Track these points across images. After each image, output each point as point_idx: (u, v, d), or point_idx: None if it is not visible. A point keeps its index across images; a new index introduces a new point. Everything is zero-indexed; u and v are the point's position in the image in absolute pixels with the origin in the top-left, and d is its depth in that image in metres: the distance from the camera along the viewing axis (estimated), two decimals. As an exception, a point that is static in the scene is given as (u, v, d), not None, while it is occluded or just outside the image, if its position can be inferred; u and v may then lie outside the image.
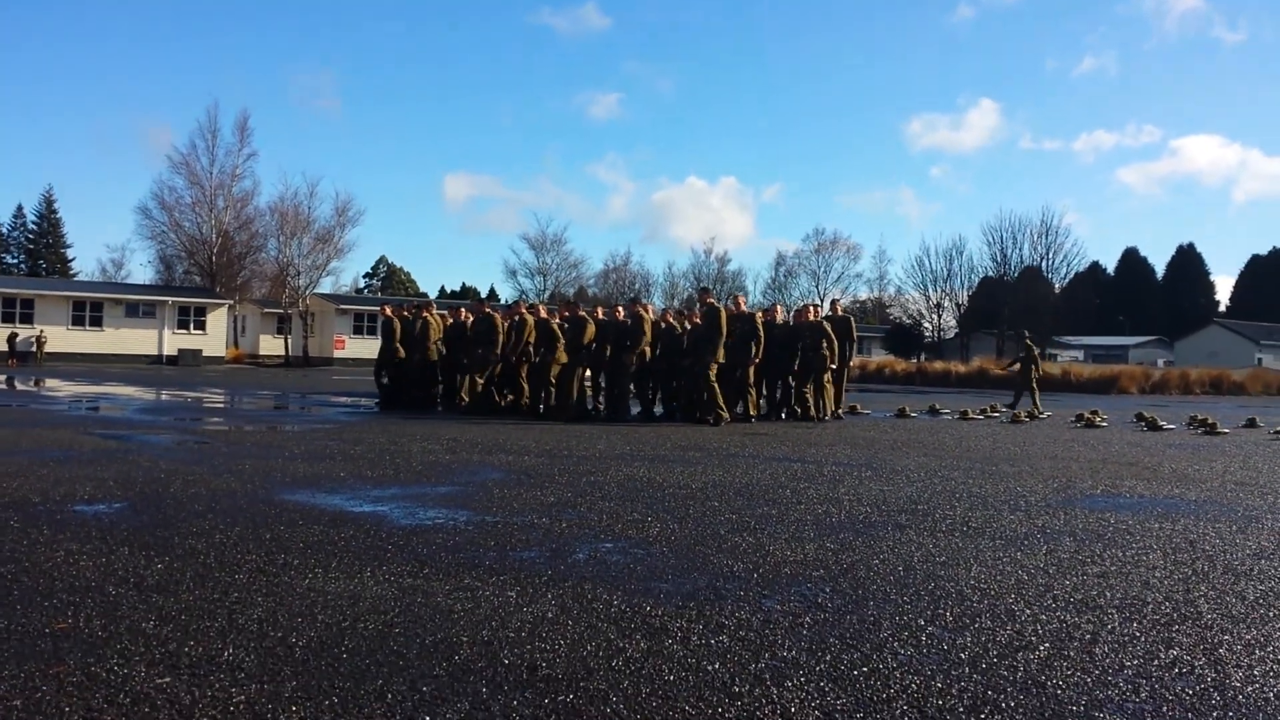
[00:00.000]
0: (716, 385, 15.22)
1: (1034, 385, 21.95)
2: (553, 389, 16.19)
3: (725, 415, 15.17)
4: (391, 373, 18.20)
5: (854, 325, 17.91)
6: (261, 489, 7.54)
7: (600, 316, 16.53)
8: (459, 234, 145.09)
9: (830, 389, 16.79)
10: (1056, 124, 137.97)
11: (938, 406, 21.28)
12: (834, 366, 16.74)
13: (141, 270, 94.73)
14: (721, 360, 15.30)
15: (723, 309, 15.76)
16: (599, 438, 12.43)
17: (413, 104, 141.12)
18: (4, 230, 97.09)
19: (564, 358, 16.02)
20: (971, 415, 19.06)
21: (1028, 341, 23.50)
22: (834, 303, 19.08)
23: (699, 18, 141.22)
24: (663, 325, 16.37)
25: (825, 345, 16.38)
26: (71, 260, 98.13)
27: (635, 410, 16.53)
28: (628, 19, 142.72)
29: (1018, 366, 22.93)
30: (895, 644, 3.85)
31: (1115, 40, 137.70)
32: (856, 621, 4.15)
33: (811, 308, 17.54)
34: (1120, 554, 5.69)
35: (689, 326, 16.33)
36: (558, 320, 16.75)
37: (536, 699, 3.19)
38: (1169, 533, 6.46)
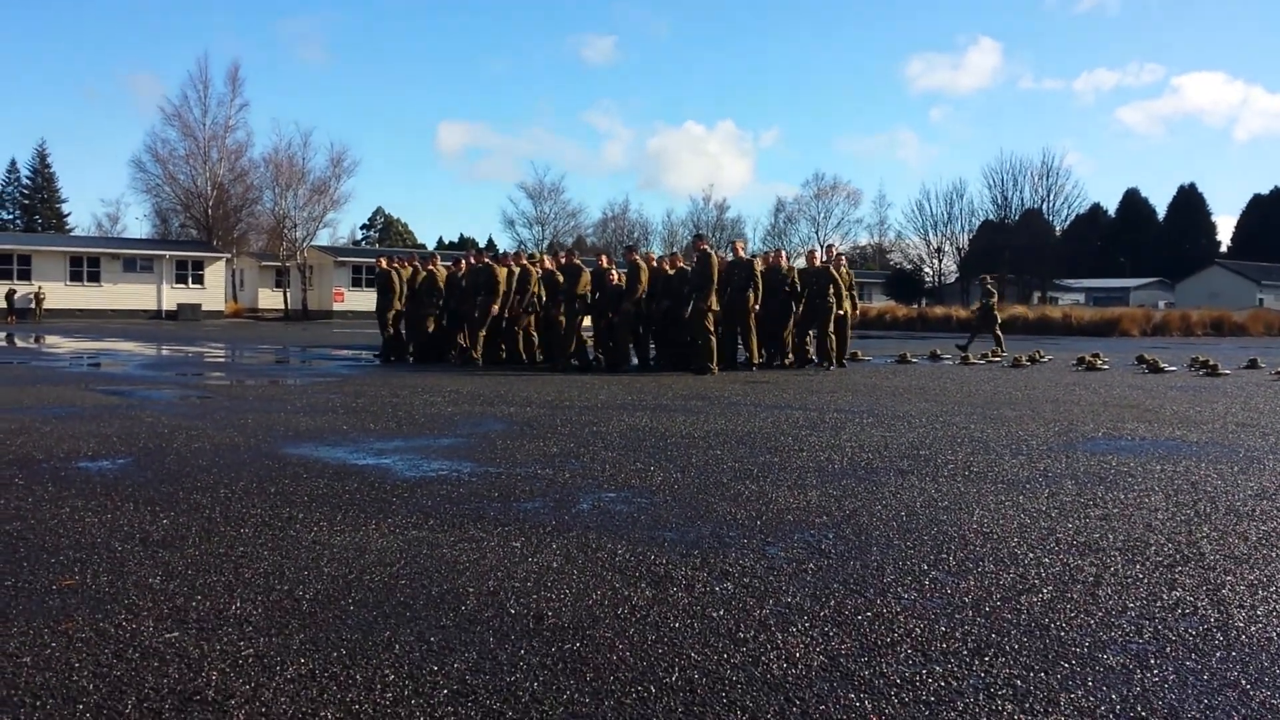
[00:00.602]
0: (712, 335, 15.15)
1: (992, 329, 22.37)
2: (561, 340, 16.14)
3: (714, 369, 14.99)
4: (396, 326, 18.19)
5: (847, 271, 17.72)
6: (265, 443, 7.55)
7: (604, 265, 16.36)
8: (454, 184, 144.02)
9: (834, 337, 16.60)
10: (1057, 63, 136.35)
11: (939, 352, 21.28)
12: (841, 313, 16.55)
13: (138, 224, 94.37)
14: (715, 308, 15.22)
15: (715, 255, 15.62)
16: (600, 388, 12.43)
17: (403, 49, 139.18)
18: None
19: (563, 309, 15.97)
20: (973, 360, 19.05)
21: (989, 286, 23.56)
22: (829, 248, 18.78)
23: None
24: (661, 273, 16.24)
25: (832, 291, 16.25)
26: (67, 215, 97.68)
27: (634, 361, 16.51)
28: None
29: (977, 308, 23.00)
30: (899, 589, 3.87)
31: None
32: (860, 567, 4.17)
33: (817, 254, 17.40)
34: (1122, 496, 5.71)
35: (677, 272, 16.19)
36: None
37: (543, 648, 3.21)
38: (1171, 474, 6.47)
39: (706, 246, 15.85)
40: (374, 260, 22.40)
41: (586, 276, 15.96)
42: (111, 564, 4.13)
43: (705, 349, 15.01)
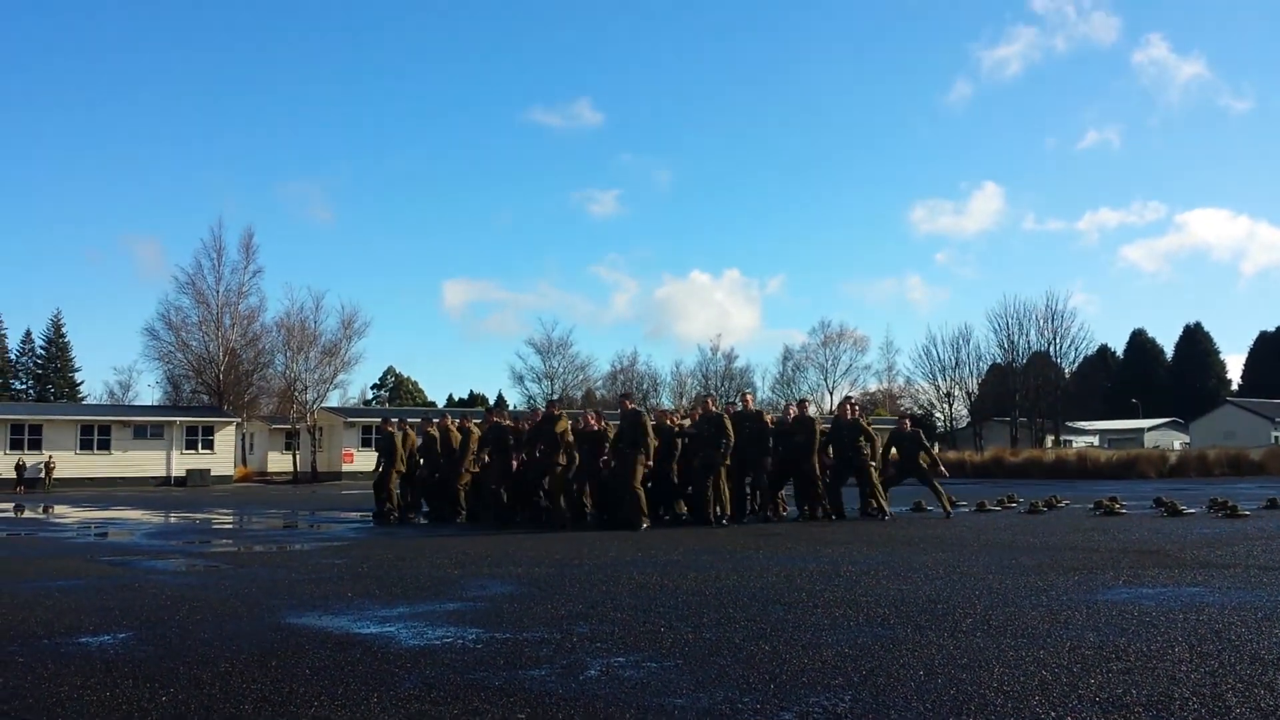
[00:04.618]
0: (640, 491, 15.15)
1: (932, 478, 17.75)
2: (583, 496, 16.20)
3: (646, 522, 15.00)
4: (404, 487, 18.30)
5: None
6: (268, 613, 7.43)
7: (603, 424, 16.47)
8: (462, 340, 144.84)
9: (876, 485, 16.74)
10: (1060, 204, 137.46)
11: (954, 498, 21.03)
12: (875, 465, 16.87)
13: (149, 391, 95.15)
14: (650, 465, 15.30)
15: (645, 413, 16.01)
16: (610, 545, 12.29)
17: (407, 210, 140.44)
18: (12, 356, 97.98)
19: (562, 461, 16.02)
20: (988, 506, 18.86)
21: (909, 427, 18.43)
22: (852, 403, 18.63)
23: (693, 109, 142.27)
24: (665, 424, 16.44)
25: (864, 442, 16.58)
26: (80, 384, 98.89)
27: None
28: (622, 113, 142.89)
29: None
30: (919, 755, 3.73)
31: (1118, 114, 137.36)
32: (878, 732, 4.03)
33: (848, 406, 17.54)
34: (1145, 648, 5.55)
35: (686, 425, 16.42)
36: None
37: (548, 830, 3.07)
38: (1194, 623, 6.31)
39: (631, 404, 16.19)
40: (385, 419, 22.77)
41: (566, 424, 16.13)
42: (105, 747, 4.01)
43: (635, 505, 15.03)
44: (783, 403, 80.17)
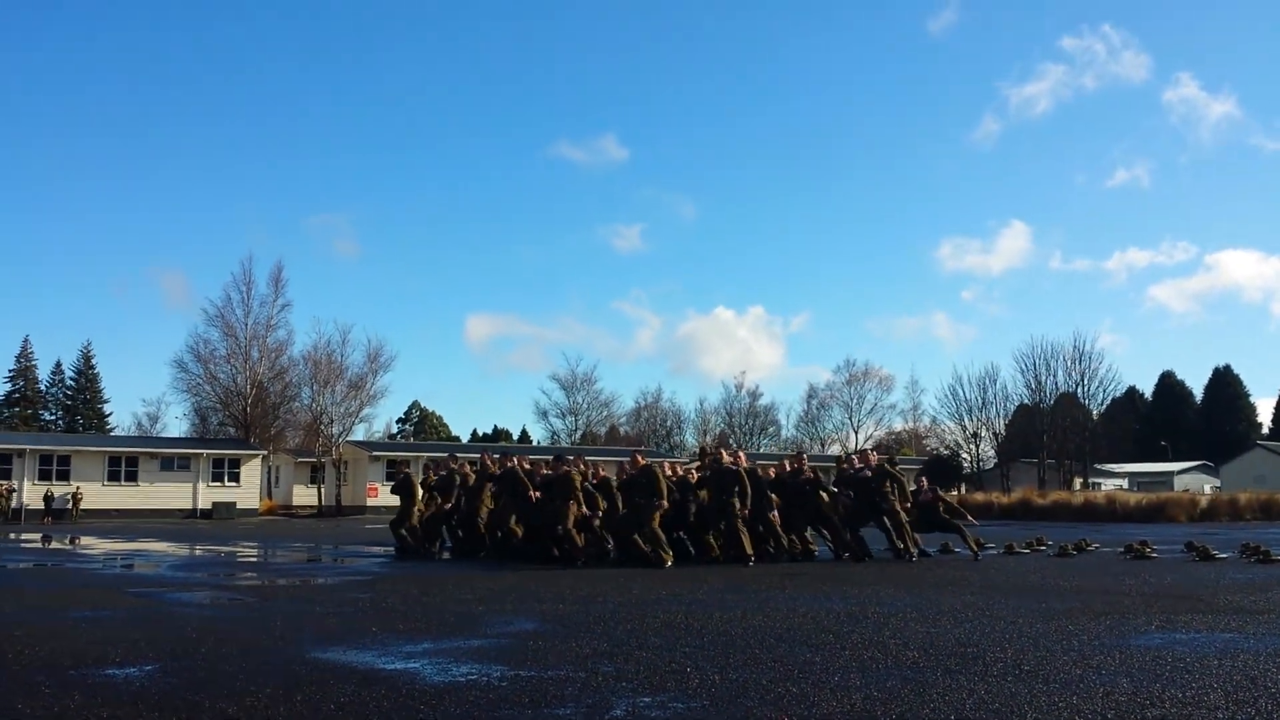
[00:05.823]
0: (659, 531, 15.32)
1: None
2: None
3: (669, 559, 15.15)
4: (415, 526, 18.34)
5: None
6: (292, 646, 7.41)
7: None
8: (485, 375, 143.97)
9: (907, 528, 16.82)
10: (1088, 243, 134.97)
11: (981, 540, 20.81)
12: (908, 506, 16.98)
13: (176, 423, 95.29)
14: (666, 506, 15.49)
15: (659, 469, 16.09)
16: (633, 582, 12.22)
17: (431, 243, 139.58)
18: (42, 387, 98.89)
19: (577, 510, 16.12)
20: (1017, 548, 18.67)
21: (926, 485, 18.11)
22: (874, 450, 19.26)
23: (718, 146, 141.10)
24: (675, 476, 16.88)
25: (890, 486, 16.67)
26: (108, 415, 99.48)
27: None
28: (647, 149, 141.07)
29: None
30: (951, 802, 3.66)
31: (1148, 152, 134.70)
32: (909, 777, 3.96)
33: (872, 454, 17.81)
34: (1179, 694, 5.45)
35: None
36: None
37: None
38: (1229, 670, 6.20)
39: (643, 459, 16.42)
40: (409, 454, 22.95)
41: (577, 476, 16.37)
42: (130, 780, 4.00)
43: (655, 542, 15.26)
44: (805, 441, 79.96)
